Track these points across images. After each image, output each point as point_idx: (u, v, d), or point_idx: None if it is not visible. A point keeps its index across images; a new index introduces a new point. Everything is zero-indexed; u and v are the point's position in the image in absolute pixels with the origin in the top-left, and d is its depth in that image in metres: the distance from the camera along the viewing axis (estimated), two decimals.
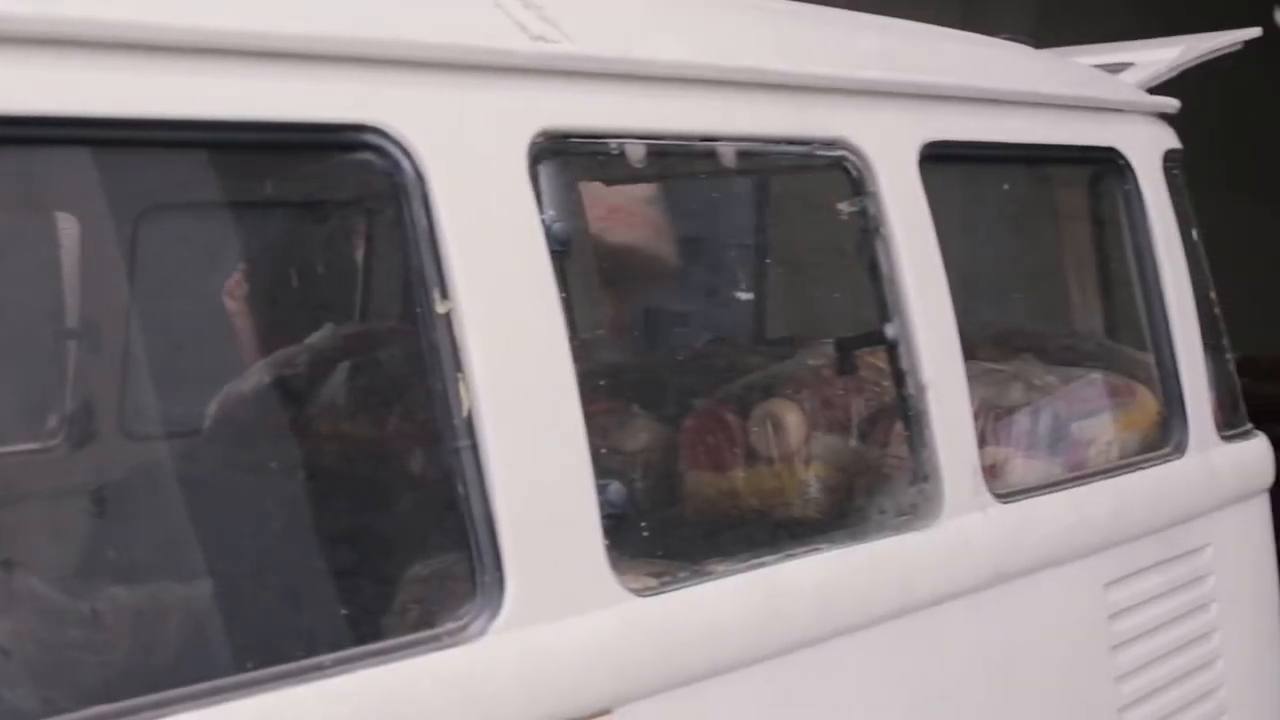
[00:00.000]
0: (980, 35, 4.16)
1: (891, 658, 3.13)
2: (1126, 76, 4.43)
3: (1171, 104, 4.33)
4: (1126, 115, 4.17)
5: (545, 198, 2.63)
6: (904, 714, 3.18)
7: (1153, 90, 4.41)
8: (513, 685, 2.44)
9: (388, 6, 2.55)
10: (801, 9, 3.53)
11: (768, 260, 4.22)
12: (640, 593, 2.66)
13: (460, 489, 2.45)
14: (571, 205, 2.77)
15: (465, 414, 2.44)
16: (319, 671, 2.24)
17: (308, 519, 2.97)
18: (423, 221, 2.45)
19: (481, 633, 2.42)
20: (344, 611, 2.69)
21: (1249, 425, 4.49)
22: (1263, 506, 4.47)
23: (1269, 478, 4.50)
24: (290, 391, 3.37)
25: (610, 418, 3.38)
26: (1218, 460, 4.18)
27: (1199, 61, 4.57)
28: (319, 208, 3.46)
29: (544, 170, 2.64)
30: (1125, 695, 3.77)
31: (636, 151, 2.82)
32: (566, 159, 2.75)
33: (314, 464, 3.15)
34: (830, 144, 3.20)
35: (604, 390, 3.32)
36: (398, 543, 2.85)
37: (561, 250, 2.63)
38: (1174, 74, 4.51)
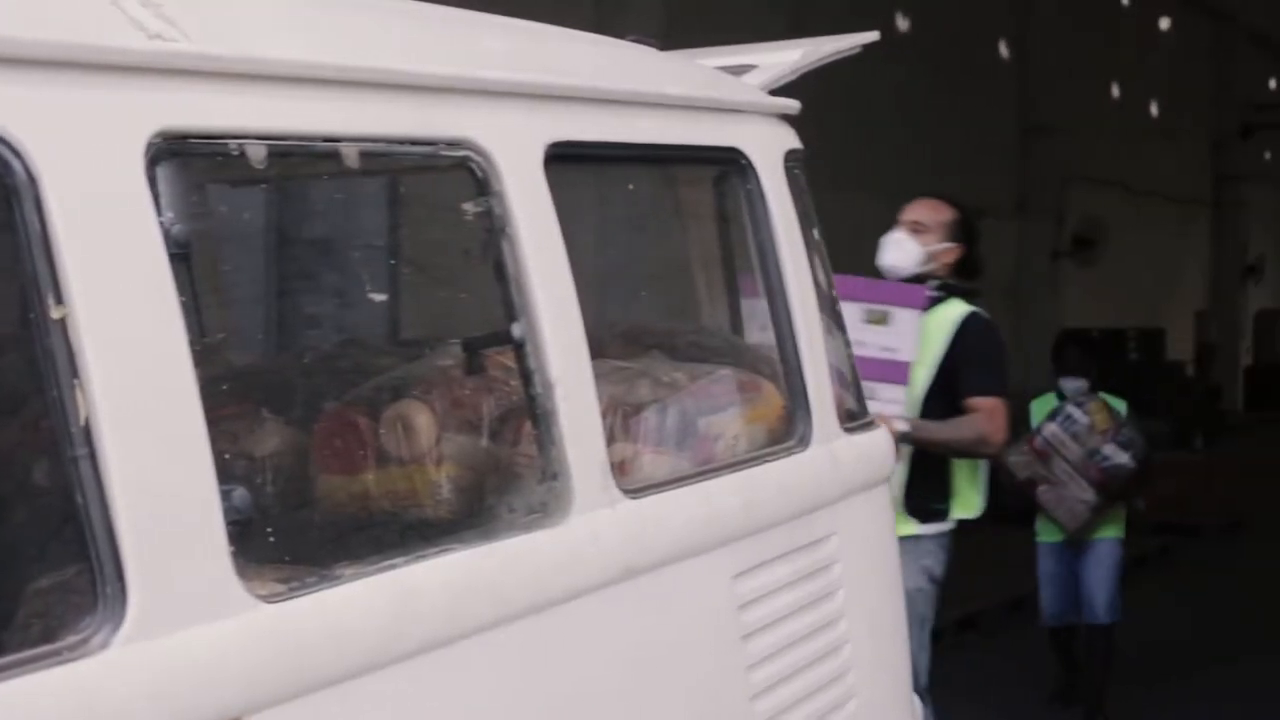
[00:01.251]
0: (606, 37, 4.20)
1: (525, 656, 3.15)
2: (750, 79, 4.52)
3: (792, 105, 4.43)
4: (748, 116, 4.25)
5: (164, 199, 2.58)
6: (539, 711, 3.20)
7: (775, 92, 4.51)
8: (138, 698, 2.39)
9: None
10: (427, 10, 3.52)
11: (396, 261, 4.20)
12: (268, 598, 2.64)
13: (80, 498, 2.40)
14: (192, 207, 2.72)
15: (83, 422, 2.39)
16: None
17: None
18: (35, 225, 2.39)
19: (104, 645, 2.37)
20: None
21: (870, 417, 4.62)
22: (884, 495, 4.61)
23: (890, 467, 4.64)
24: None
25: (238, 422, 3.33)
26: (841, 451, 4.29)
27: (820, 64, 4.68)
28: None
29: (162, 171, 2.59)
30: (756, 683, 3.85)
31: (258, 152, 2.79)
32: (186, 160, 2.71)
33: None
34: (455, 144, 3.20)
35: (231, 394, 3.27)
36: (18, 555, 2.77)
37: (181, 253, 2.59)
38: (795, 76, 4.61)
